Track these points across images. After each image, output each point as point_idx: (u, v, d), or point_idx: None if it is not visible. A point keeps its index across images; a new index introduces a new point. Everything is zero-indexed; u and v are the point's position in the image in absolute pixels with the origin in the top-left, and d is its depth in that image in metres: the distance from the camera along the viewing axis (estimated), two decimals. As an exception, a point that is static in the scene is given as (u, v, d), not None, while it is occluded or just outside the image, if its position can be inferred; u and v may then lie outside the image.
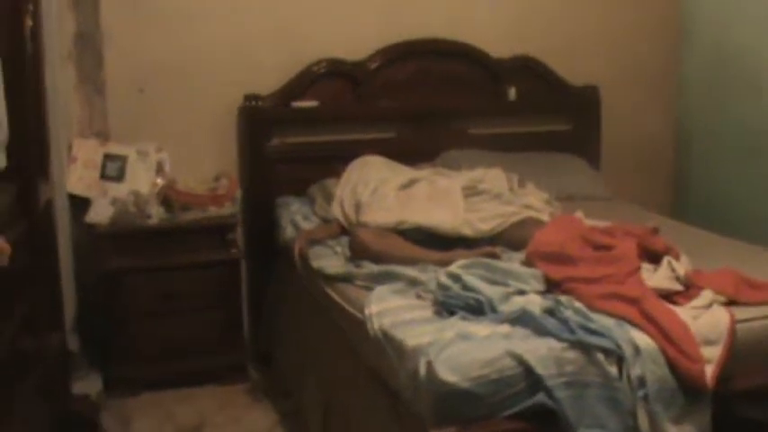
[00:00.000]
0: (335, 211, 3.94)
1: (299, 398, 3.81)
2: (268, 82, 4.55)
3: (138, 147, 4.31)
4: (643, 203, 4.73)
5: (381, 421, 2.75)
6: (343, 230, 3.84)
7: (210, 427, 3.85)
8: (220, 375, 4.26)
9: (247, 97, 4.50)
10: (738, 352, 2.64)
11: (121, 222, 4.09)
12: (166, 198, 4.23)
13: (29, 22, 3.22)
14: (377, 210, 3.68)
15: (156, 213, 4.15)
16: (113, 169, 4.26)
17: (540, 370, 2.40)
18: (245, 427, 3.84)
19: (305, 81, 4.60)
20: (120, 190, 4.21)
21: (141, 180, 4.27)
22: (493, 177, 3.97)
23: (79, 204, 4.20)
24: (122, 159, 4.28)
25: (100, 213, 4.10)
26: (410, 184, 3.87)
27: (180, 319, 4.19)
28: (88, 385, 3.95)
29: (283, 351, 4.18)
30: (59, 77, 4.04)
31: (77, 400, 3.78)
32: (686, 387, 2.52)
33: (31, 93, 3.15)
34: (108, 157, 4.27)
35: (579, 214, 3.56)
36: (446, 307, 2.76)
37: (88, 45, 4.30)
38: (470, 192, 3.76)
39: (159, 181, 4.28)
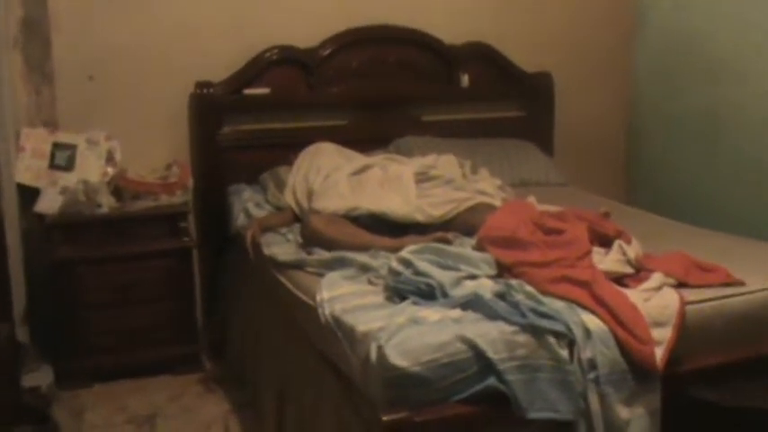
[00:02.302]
0: (288, 199, 3.92)
1: (253, 386, 3.80)
2: (220, 69, 4.51)
3: (88, 135, 4.25)
4: (596, 189, 4.75)
5: (334, 407, 2.74)
6: (296, 218, 3.83)
7: (163, 417, 3.82)
8: (173, 365, 4.23)
9: (199, 84, 4.46)
10: (688, 334, 2.65)
11: (71, 212, 4.03)
12: (117, 187, 4.18)
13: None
14: (329, 197, 3.67)
15: (107, 202, 4.10)
16: (63, 158, 4.21)
17: (490, 354, 2.39)
18: (199, 417, 3.81)
19: (257, 68, 4.57)
20: (69, 179, 4.15)
21: (91, 169, 4.21)
22: (445, 163, 3.97)
23: (28, 194, 4.14)
24: (72, 148, 4.22)
25: (49, 203, 4.04)
26: (362, 170, 3.86)
27: (132, 309, 4.16)
28: (39, 377, 3.90)
29: (236, 340, 4.16)
30: (5, 65, 4.00)
31: (28, 393, 3.73)
32: (636, 369, 2.53)
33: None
34: (57, 146, 4.21)
35: (531, 199, 3.57)
36: (397, 292, 2.75)
37: (35, 32, 4.22)
38: (422, 177, 3.76)
39: (109, 170, 4.23)
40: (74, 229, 4.06)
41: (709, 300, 2.79)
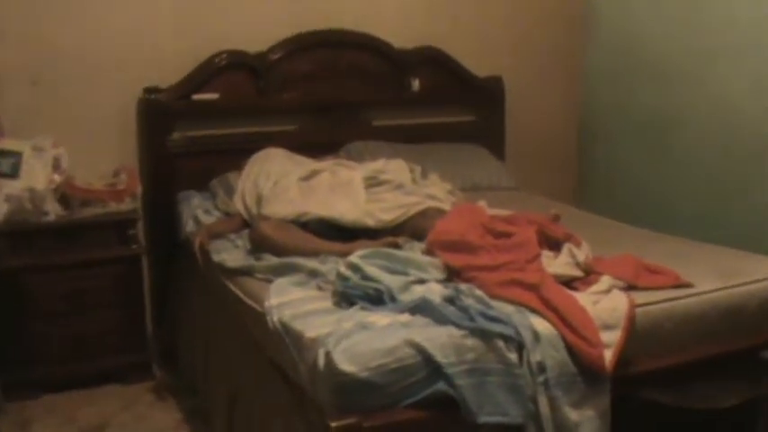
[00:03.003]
0: (237, 205, 3.89)
1: (204, 394, 3.76)
2: (168, 74, 4.46)
3: (34, 142, 4.17)
4: (547, 193, 4.77)
5: (285, 414, 2.72)
6: (245, 224, 3.80)
7: (114, 427, 3.77)
8: (124, 374, 4.18)
9: (147, 90, 4.41)
10: (637, 336, 2.66)
11: (17, 220, 3.96)
12: (64, 194, 4.12)
13: None
14: (278, 202, 3.65)
15: (54, 210, 4.03)
16: (7, 166, 4.12)
17: (439, 358, 2.38)
18: (150, 426, 3.77)
19: (206, 73, 4.53)
20: (14, 187, 4.06)
21: (37, 176, 4.13)
22: (395, 168, 3.96)
23: (-27, 203, 4.06)
24: (17, 155, 4.13)
25: (-6, 211, 3.98)
26: (312, 175, 3.84)
27: (81, 318, 4.10)
28: (-16, 389, 3.84)
29: (187, 347, 4.12)
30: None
31: (-27, 405, 3.68)
32: (586, 372, 2.53)
33: None
34: (2, 154, 4.12)
35: (482, 203, 3.57)
36: (346, 297, 2.74)
37: (-23, 36, 4.17)
38: (372, 182, 3.75)
39: (56, 177, 4.15)
40: (20, 237, 3.99)
41: (659, 302, 2.81)
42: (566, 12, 5.38)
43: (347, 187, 3.69)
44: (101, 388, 4.12)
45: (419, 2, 5.01)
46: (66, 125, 4.34)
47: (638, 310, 2.72)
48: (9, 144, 4.15)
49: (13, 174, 4.10)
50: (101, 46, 4.39)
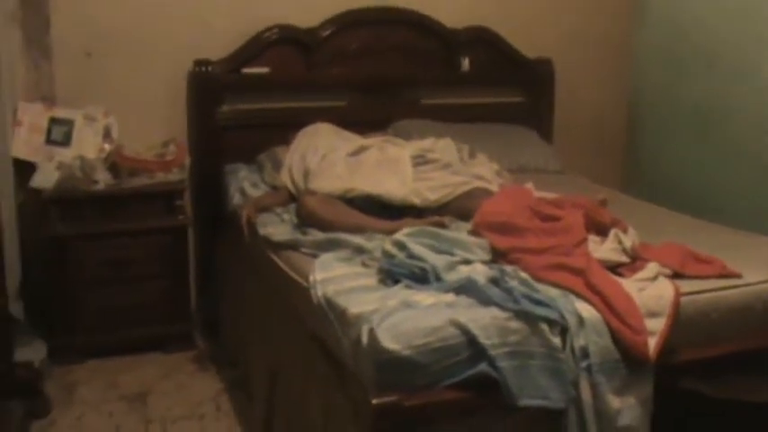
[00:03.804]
0: (284, 179, 3.91)
1: (245, 366, 3.79)
2: (219, 47, 4.49)
3: (86, 111, 4.24)
4: (594, 177, 4.73)
5: (326, 389, 2.73)
6: (292, 198, 3.81)
7: (155, 394, 3.82)
8: (166, 343, 4.24)
9: (197, 62, 4.44)
10: (682, 325, 2.64)
11: (67, 187, 4.02)
12: (114, 163, 4.16)
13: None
14: (326, 177, 3.66)
15: (103, 179, 4.08)
16: (60, 134, 4.19)
17: (482, 339, 2.38)
18: (191, 395, 3.81)
19: (256, 47, 4.54)
20: (66, 155, 4.14)
21: (88, 145, 4.20)
22: (443, 147, 3.95)
23: (25, 169, 4.12)
24: (69, 124, 4.20)
25: (45, 178, 4.03)
26: (359, 151, 3.84)
27: (126, 287, 4.15)
28: (32, 352, 3.89)
29: (229, 319, 4.15)
30: (4, 40, 3.97)
31: (20, 367, 3.72)
32: (629, 359, 2.52)
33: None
34: (54, 122, 4.19)
35: (529, 185, 3.56)
36: (391, 275, 2.74)
37: (35, 7, 4.21)
38: (420, 161, 3.74)
39: (106, 146, 4.21)
40: (69, 204, 4.04)
41: (705, 291, 2.78)
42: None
43: (395, 165, 3.69)
44: (144, 355, 4.17)
45: (469, -20, 5.00)
46: (118, 96, 4.39)
47: (684, 298, 2.69)
48: (61, 112, 4.22)
49: (65, 142, 4.17)
50: (153, 19, 4.43)
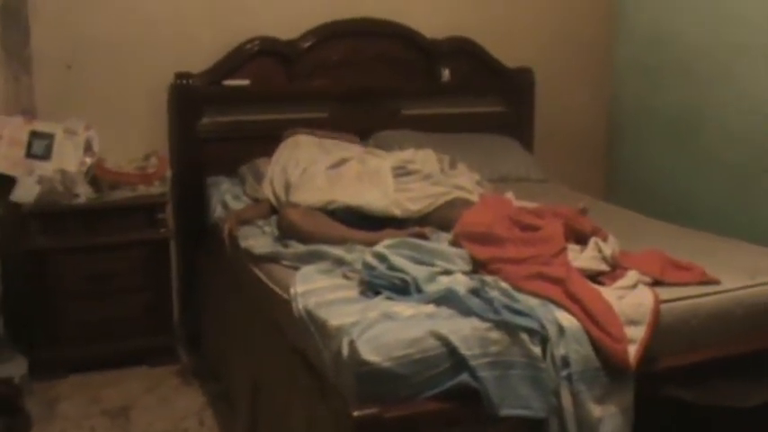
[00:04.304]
0: (266, 191, 3.91)
1: (228, 379, 3.79)
2: (200, 60, 4.49)
3: (66, 125, 4.22)
4: (575, 185, 4.75)
5: (307, 401, 2.72)
6: (273, 210, 3.81)
7: (138, 409, 3.81)
8: (149, 357, 4.22)
9: (178, 75, 4.44)
10: (662, 332, 2.65)
11: (48, 201, 4.00)
12: (95, 177, 4.16)
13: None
14: (306, 190, 3.66)
15: (84, 192, 4.07)
16: (40, 147, 4.17)
17: (463, 350, 2.38)
18: (174, 409, 3.80)
19: (237, 59, 4.55)
20: (46, 168, 4.12)
21: (69, 158, 4.18)
22: (424, 158, 3.95)
23: (5, 183, 4.09)
24: (49, 137, 4.19)
25: (26, 192, 4.01)
26: (340, 163, 3.84)
27: (108, 300, 4.14)
28: (12, 368, 3.86)
29: (212, 332, 4.15)
30: (-17, 53, 3.96)
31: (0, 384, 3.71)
32: (610, 367, 2.52)
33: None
34: (34, 135, 4.17)
35: (509, 195, 3.57)
36: (371, 287, 2.74)
37: (14, 19, 4.20)
38: (400, 172, 3.74)
39: (87, 159, 4.20)
40: (50, 218, 4.03)
41: (685, 298, 2.79)
42: (596, 5, 5.35)
43: (375, 176, 3.69)
44: (126, 370, 4.15)
45: (450, -9, 5.01)
46: (98, 109, 4.38)
47: (664, 306, 2.70)
48: (42, 126, 4.20)
49: (46, 155, 4.16)
50: (134, 31, 4.42)
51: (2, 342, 3.93)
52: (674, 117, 4.92)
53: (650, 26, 5.09)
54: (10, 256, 4.11)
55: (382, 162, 3.81)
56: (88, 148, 4.24)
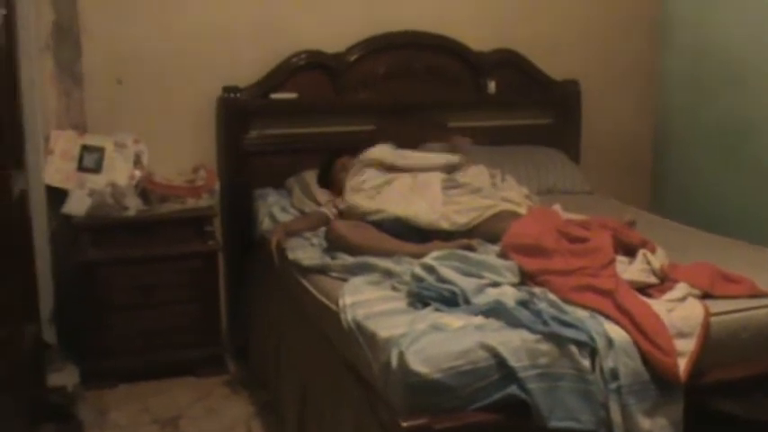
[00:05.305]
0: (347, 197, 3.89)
1: (276, 389, 3.81)
2: (247, 73, 4.53)
3: (116, 138, 4.29)
4: (622, 197, 4.74)
5: (355, 412, 2.74)
6: (322, 222, 3.81)
7: (187, 418, 3.84)
8: (198, 367, 4.25)
9: (226, 89, 4.48)
10: (712, 345, 2.64)
11: (99, 214, 4.06)
12: (144, 190, 4.21)
13: (2, 11, 3.20)
14: (360, 195, 3.70)
15: (134, 205, 4.12)
16: (91, 161, 4.24)
17: (512, 362, 2.39)
18: (222, 419, 3.82)
19: (284, 73, 4.58)
20: (97, 182, 4.19)
21: (119, 172, 4.25)
22: (475, 173, 3.95)
23: (57, 196, 4.17)
24: (100, 151, 4.26)
25: (77, 205, 4.08)
26: (393, 179, 3.86)
27: (157, 311, 4.18)
28: (65, 377, 3.94)
29: (260, 343, 4.17)
30: (36, 68, 4.03)
31: (53, 392, 3.76)
32: (659, 380, 2.52)
33: (5, 82, 3.12)
34: (86, 149, 4.25)
35: (557, 207, 3.56)
36: (420, 298, 2.76)
37: (66, 36, 4.27)
38: (450, 185, 3.75)
39: (137, 172, 4.26)
40: (101, 230, 4.09)
41: (735, 311, 2.77)
42: (643, 17, 5.32)
43: (425, 189, 3.69)
44: (175, 380, 4.19)
45: (496, 4, 5.00)
46: (148, 122, 4.43)
47: (714, 319, 2.69)
48: (93, 140, 4.27)
49: (97, 169, 4.23)
50: (182, 46, 4.47)
51: (55, 352, 4.00)
52: (722, 128, 4.88)
53: (697, 37, 5.06)
54: (62, 268, 4.18)
55: (432, 175, 3.81)
56: (138, 162, 4.30)
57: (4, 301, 2.90)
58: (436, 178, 3.78)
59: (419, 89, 4.82)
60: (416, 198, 3.66)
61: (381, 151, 4.05)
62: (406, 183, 3.80)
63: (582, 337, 2.49)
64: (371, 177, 3.88)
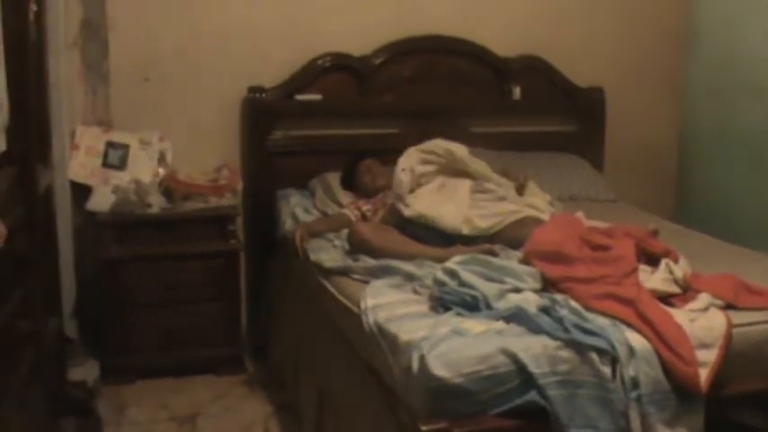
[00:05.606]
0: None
1: (294, 390, 3.81)
2: (273, 74, 4.55)
3: (141, 136, 4.32)
4: (645, 206, 4.72)
5: (374, 414, 2.74)
6: (344, 224, 3.82)
7: (205, 416, 3.85)
8: (217, 366, 4.27)
9: (251, 89, 4.50)
10: (734, 356, 2.62)
11: (122, 211, 4.09)
12: (168, 187, 4.23)
13: (33, 7, 3.22)
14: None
15: (157, 202, 4.15)
16: (115, 157, 4.27)
17: (532, 368, 2.39)
18: (240, 418, 3.84)
19: (309, 74, 4.60)
20: (121, 178, 4.22)
21: (143, 169, 4.28)
22: (501, 182, 3.92)
23: (81, 192, 4.21)
24: (125, 148, 4.29)
25: (101, 201, 4.10)
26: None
27: (178, 309, 4.20)
28: (85, 372, 3.95)
29: (280, 343, 4.18)
30: (64, 64, 4.05)
31: (74, 386, 3.78)
32: (680, 390, 2.51)
33: (34, 78, 3.14)
34: (110, 145, 4.27)
35: (579, 215, 3.55)
36: (442, 302, 2.75)
37: (94, 33, 4.30)
38: (476, 189, 3.74)
39: (161, 170, 4.28)
40: (124, 227, 4.11)
41: (757, 323, 2.75)
42: (669, 27, 5.31)
43: (453, 192, 3.68)
44: (194, 378, 4.21)
45: (522, 10, 5.00)
46: (173, 121, 4.46)
47: (736, 330, 2.67)
48: (118, 137, 4.30)
49: (121, 165, 4.25)
50: (209, 46, 4.50)
51: (76, 347, 4.01)
52: (748, 138, 4.86)
53: (724, 47, 5.04)
54: (85, 264, 4.20)
55: (462, 182, 3.78)
56: (162, 159, 4.32)
57: (28, 297, 2.92)
58: (466, 183, 3.76)
59: (444, 93, 4.82)
60: (444, 199, 3.65)
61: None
62: (437, 183, 3.79)
63: (603, 344, 2.48)
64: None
